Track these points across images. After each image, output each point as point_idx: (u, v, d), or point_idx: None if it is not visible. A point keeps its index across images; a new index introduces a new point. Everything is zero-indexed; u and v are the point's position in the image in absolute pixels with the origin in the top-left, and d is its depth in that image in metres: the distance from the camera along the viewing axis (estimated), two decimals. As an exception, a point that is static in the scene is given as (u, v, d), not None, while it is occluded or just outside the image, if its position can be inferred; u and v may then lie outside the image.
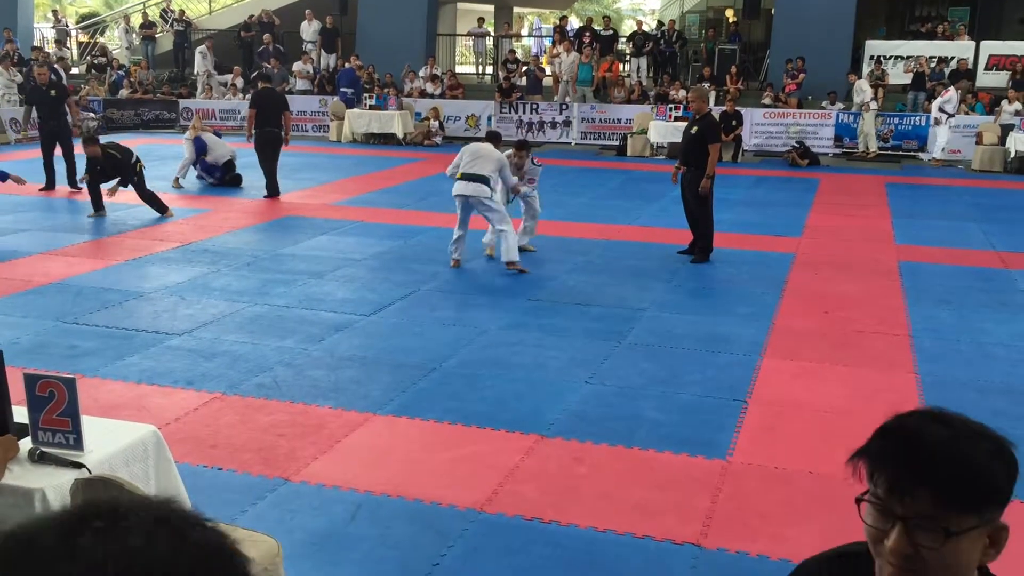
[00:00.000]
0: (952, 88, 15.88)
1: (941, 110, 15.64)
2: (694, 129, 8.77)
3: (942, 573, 1.18)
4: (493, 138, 8.64)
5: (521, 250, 8.48)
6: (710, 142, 8.61)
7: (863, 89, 16.69)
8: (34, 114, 12.69)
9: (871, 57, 18.31)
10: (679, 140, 16.19)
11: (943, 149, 15.66)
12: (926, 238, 9.92)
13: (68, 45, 24.43)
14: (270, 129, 11.88)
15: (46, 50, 22.18)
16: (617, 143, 17.58)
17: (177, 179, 12.50)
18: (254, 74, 17.23)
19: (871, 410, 5.19)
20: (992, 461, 1.18)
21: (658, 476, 4.35)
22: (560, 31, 22.16)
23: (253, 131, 11.93)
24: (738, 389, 5.43)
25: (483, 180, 8.15)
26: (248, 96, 15.42)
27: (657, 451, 4.59)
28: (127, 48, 23.69)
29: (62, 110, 12.11)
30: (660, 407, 5.17)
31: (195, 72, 20.51)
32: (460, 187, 8.18)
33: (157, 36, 23.49)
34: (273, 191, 11.90)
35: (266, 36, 21.00)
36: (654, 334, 6.52)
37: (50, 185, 12.01)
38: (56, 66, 19.70)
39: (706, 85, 18.49)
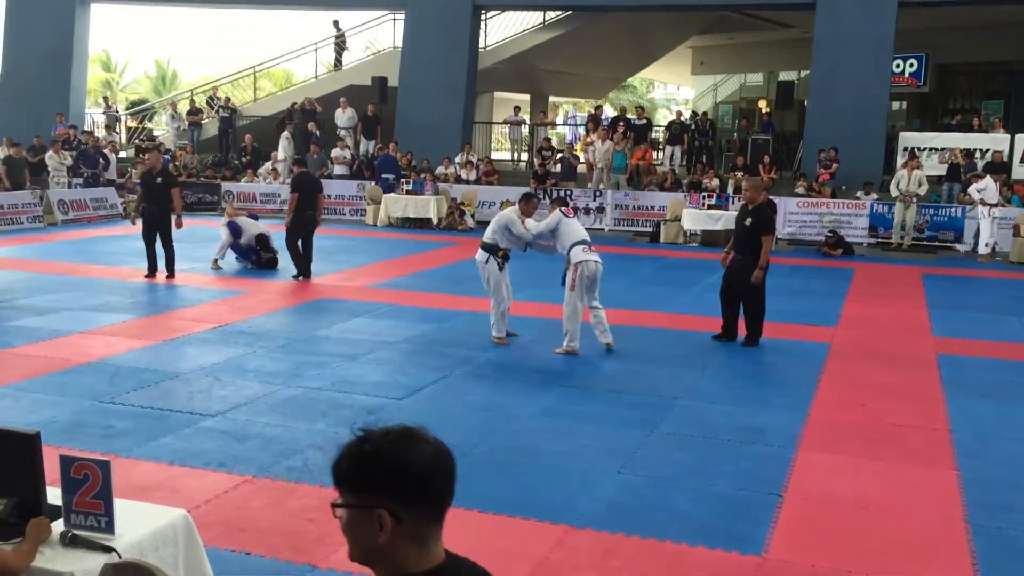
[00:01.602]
0: (988, 176, 15.81)
1: (982, 202, 15.50)
2: (748, 220, 8.78)
3: (354, 545, 1.69)
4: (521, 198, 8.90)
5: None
6: (764, 233, 8.66)
7: (916, 178, 16.52)
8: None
9: (905, 149, 18.39)
10: (712, 227, 16.51)
11: (987, 244, 15.54)
12: (964, 330, 9.80)
13: (117, 130, 25.26)
14: (309, 212, 12.14)
15: (157, 139, 22.92)
16: (650, 230, 17.68)
17: (216, 260, 12.73)
18: (293, 159, 17.62)
19: (910, 507, 5.07)
20: (364, 457, 1.68)
21: (692, 572, 4.25)
22: (594, 120, 22.55)
23: (292, 214, 12.12)
24: (773, 482, 5.33)
25: (483, 247, 8.52)
26: (287, 181, 15.78)
27: (690, 545, 4.49)
28: (174, 133, 24.44)
29: (167, 198, 11.86)
30: (693, 499, 5.08)
31: (280, 156, 20.94)
32: None
33: (203, 122, 24.23)
34: (306, 273, 12.06)
35: (310, 124, 21.59)
36: (688, 423, 6.44)
37: (152, 271, 11.85)
38: (105, 151, 20.37)
39: (739, 174, 18.67)
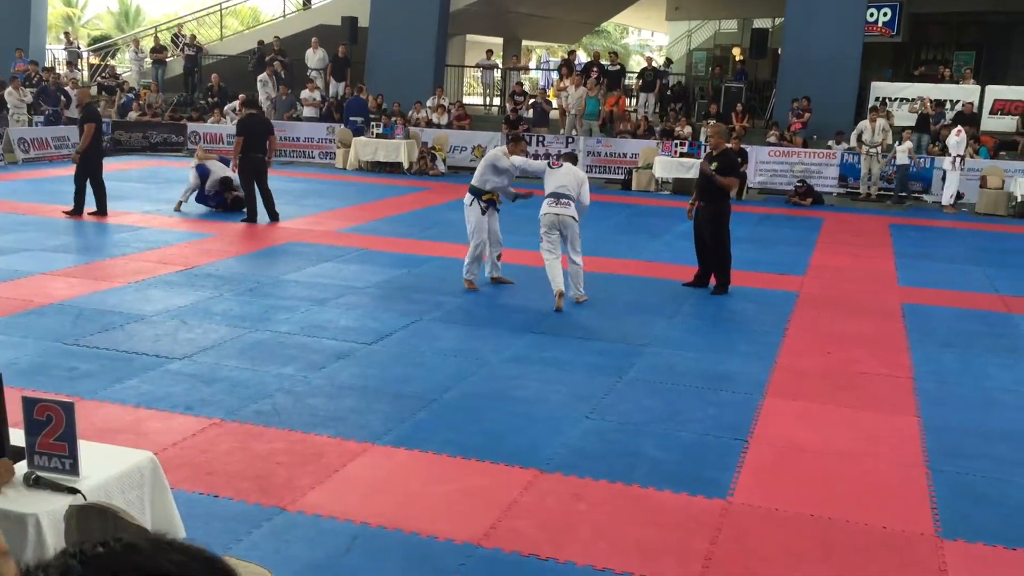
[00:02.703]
0: (962, 128, 15.86)
1: (957, 155, 15.54)
2: (713, 165, 8.81)
3: None
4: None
5: (497, 281, 8.84)
6: (728, 175, 8.74)
7: (883, 128, 16.57)
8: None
9: (876, 98, 18.40)
10: (684, 175, 16.48)
11: (952, 196, 15.66)
12: (929, 280, 9.91)
13: (79, 67, 24.63)
14: (256, 155, 11.88)
15: (120, 77, 22.42)
16: (623, 177, 17.64)
17: (180, 203, 12.51)
18: (241, 99, 17.28)
19: (872, 453, 5.15)
20: None
21: (658, 515, 4.30)
22: (568, 65, 22.30)
23: (239, 157, 11.89)
24: (740, 428, 5.40)
25: (470, 189, 8.64)
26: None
27: (657, 489, 4.55)
28: (137, 71, 23.87)
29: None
30: (661, 444, 5.13)
31: (261, 98, 20.56)
32: None
33: (168, 60, 23.68)
34: (273, 215, 11.90)
35: (276, 63, 21.14)
36: (656, 370, 6.49)
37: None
38: (67, 88, 19.87)
39: (712, 121, 18.60)
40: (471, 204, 8.60)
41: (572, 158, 8.95)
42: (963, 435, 5.46)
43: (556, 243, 8.24)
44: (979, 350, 7.29)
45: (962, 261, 11.28)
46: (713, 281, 8.95)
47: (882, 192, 16.67)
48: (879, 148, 16.47)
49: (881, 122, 16.47)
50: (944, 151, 16.16)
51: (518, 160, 8.70)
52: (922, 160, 16.84)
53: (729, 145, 15.83)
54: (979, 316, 8.45)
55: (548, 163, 8.66)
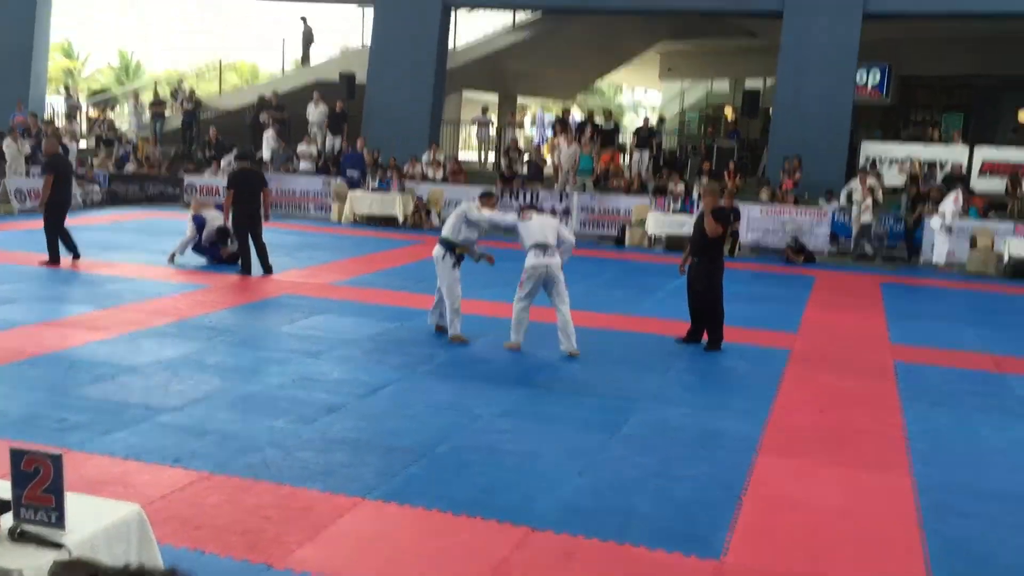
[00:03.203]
0: (959, 193, 16.03)
1: (952, 215, 15.69)
2: (705, 221, 8.89)
3: None
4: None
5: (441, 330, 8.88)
6: (722, 225, 8.83)
7: (874, 188, 16.76)
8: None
9: (867, 158, 18.63)
10: (677, 232, 16.59)
11: (944, 255, 15.77)
12: (921, 339, 9.94)
13: (78, 119, 24.85)
14: (249, 207, 11.91)
15: (119, 130, 22.77)
16: (616, 233, 17.75)
17: (173, 255, 12.50)
18: (234, 153, 17.39)
19: (867, 512, 5.12)
20: None
21: (651, 575, 4.26)
22: (562, 122, 22.62)
23: (231, 211, 11.93)
24: (733, 485, 5.37)
25: (441, 241, 8.68)
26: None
27: (649, 548, 4.50)
28: (136, 124, 24.09)
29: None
30: (654, 502, 5.10)
31: (263, 152, 20.82)
32: None
33: (167, 114, 23.91)
34: (267, 268, 11.93)
35: (263, 115, 21.43)
36: (649, 426, 6.47)
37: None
38: (65, 141, 20.04)
39: (705, 179, 18.78)
40: (443, 258, 8.62)
41: (535, 209, 9.12)
42: (956, 494, 5.44)
43: (534, 296, 8.40)
44: (971, 409, 7.29)
45: (953, 320, 11.33)
46: (706, 337, 8.97)
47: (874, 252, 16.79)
48: (869, 206, 16.61)
49: (871, 182, 16.65)
50: (934, 210, 16.34)
51: (489, 214, 8.77)
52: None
53: (722, 202, 16.03)
54: (971, 375, 8.46)
55: (518, 215, 8.77)
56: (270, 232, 12.62)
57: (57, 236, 11.81)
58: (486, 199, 8.90)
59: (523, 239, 8.48)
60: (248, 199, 11.95)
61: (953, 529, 4.93)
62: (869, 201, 16.42)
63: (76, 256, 11.95)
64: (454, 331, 8.64)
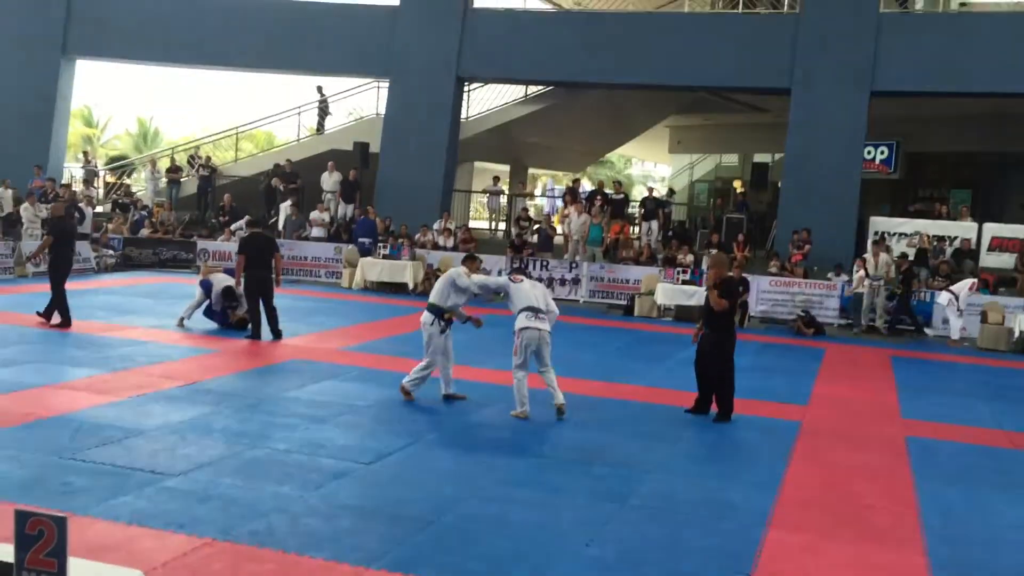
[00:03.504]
0: (976, 282, 16.08)
1: (956, 299, 15.73)
2: (709, 295, 8.92)
3: None
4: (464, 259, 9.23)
5: (450, 398, 8.88)
6: (728, 298, 8.80)
7: (886, 262, 16.83)
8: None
9: (875, 232, 18.72)
10: (686, 303, 16.63)
11: (959, 331, 15.73)
12: (933, 413, 9.86)
13: (95, 185, 25.22)
14: (260, 273, 11.97)
15: (135, 196, 23.22)
16: (625, 303, 17.78)
17: (182, 319, 12.54)
18: (246, 219, 17.57)
19: (880, 590, 5.02)
20: None
21: (658, 650, 4.17)
22: (572, 192, 22.84)
23: (243, 276, 11.97)
24: (743, 560, 5.28)
25: (429, 308, 8.74)
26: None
27: (658, 623, 4.41)
28: (152, 190, 24.41)
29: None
30: (663, 574, 5.01)
31: (277, 219, 21.13)
32: None
33: (182, 180, 24.26)
34: (276, 332, 11.94)
35: (274, 180, 21.75)
36: (658, 497, 6.39)
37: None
38: (81, 205, 20.36)
39: (714, 251, 18.85)
40: (432, 323, 8.70)
41: (523, 272, 9.20)
42: (971, 573, 5.33)
43: (530, 360, 8.47)
44: (985, 486, 7.19)
45: (965, 395, 11.25)
46: (715, 408, 8.91)
47: (885, 326, 16.76)
48: (882, 281, 16.66)
49: (884, 256, 16.72)
50: (944, 284, 16.36)
51: (478, 278, 8.87)
52: (922, 294, 17.00)
53: (731, 274, 16.10)
54: (984, 451, 8.36)
55: (508, 278, 8.86)
56: (281, 298, 12.68)
57: (64, 295, 11.87)
58: (470, 262, 9.05)
59: (513, 301, 8.56)
60: (259, 264, 12.02)
61: (969, 609, 4.83)
62: (862, 273, 16.52)
63: (65, 323, 11.87)
64: (411, 385, 8.82)
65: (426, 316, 8.77)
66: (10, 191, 20.38)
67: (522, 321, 8.41)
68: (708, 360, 8.88)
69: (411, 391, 8.78)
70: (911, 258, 17.77)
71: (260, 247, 12.23)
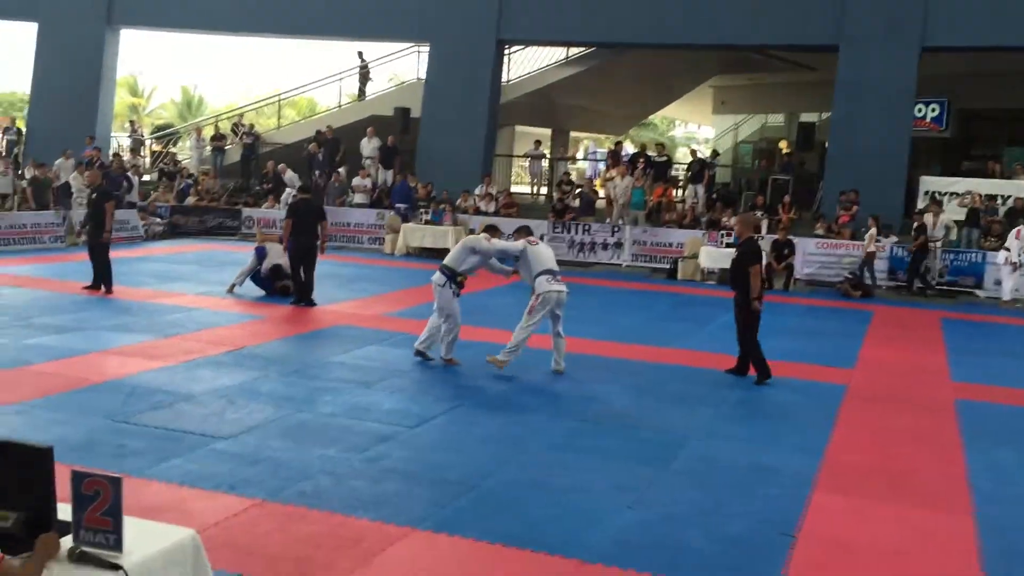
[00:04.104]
0: (1022, 227, 15.68)
1: (1019, 253, 15.32)
2: (735, 254, 9.08)
3: None
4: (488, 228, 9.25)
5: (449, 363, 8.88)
6: (749, 264, 8.73)
7: (938, 222, 16.55)
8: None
9: (926, 192, 18.33)
10: (730, 266, 16.46)
11: (1012, 291, 15.39)
12: (983, 376, 9.69)
13: (142, 154, 25.55)
14: (304, 239, 12.05)
15: (180, 164, 23.55)
16: (668, 266, 17.66)
17: (233, 286, 12.73)
18: (299, 186, 17.67)
19: (926, 553, 4.99)
20: None
21: (702, 611, 4.19)
22: (614, 156, 22.64)
23: (289, 240, 12.09)
24: (787, 523, 5.26)
25: (442, 270, 8.77)
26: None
27: (701, 584, 4.43)
28: (197, 158, 24.69)
29: (102, 213, 12.23)
30: (706, 538, 5.02)
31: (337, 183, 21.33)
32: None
33: (227, 148, 24.48)
34: (308, 301, 12.01)
35: (311, 146, 21.86)
36: (701, 460, 6.39)
37: (94, 284, 12.13)
38: (129, 174, 20.65)
39: (758, 213, 18.63)
40: (444, 285, 8.72)
41: (528, 231, 9.26)
42: (1021, 536, 5.27)
43: (544, 322, 8.62)
44: (1036, 449, 7.07)
45: (1017, 357, 11.03)
46: (752, 372, 8.87)
47: (942, 288, 16.46)
48: (939, 243, 16.34)
49: (944, 217, 16.40)
50: (998, 245, 16.00)
51: (499, 243, 8.94)
52: (972, 255, 16.66)
53: (777, 237, 15.88)
54: (1036, 414, 8.22)
55: (527, 240, 8.89)
56: (324, 264, 12.78)
57: (104, 264, 12.15)
58: (492, 231, 9.11)
59: (531, 264, 8.64)
60: (305, 230, 12.11)
61: (1018, 573, 4.77)
62: (873, 231, 16.32)
63: (103, 287, 12.15)
64: (450, 355, 8.83)
65: (437, 276, 8.79)
66: (71, 161, 20.71)
67: (543, 285, 8.51)
68: (736, 319, 8.94)
69: (454, 358, 8.83)
70: (961, 219, 17.39)
71: (308, 213, 12.31)
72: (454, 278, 8.75)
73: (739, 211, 19.14)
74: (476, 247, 8.78)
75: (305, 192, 13.50)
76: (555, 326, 8.70)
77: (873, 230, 16.39)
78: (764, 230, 18.00)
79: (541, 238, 18.56)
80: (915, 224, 16.61)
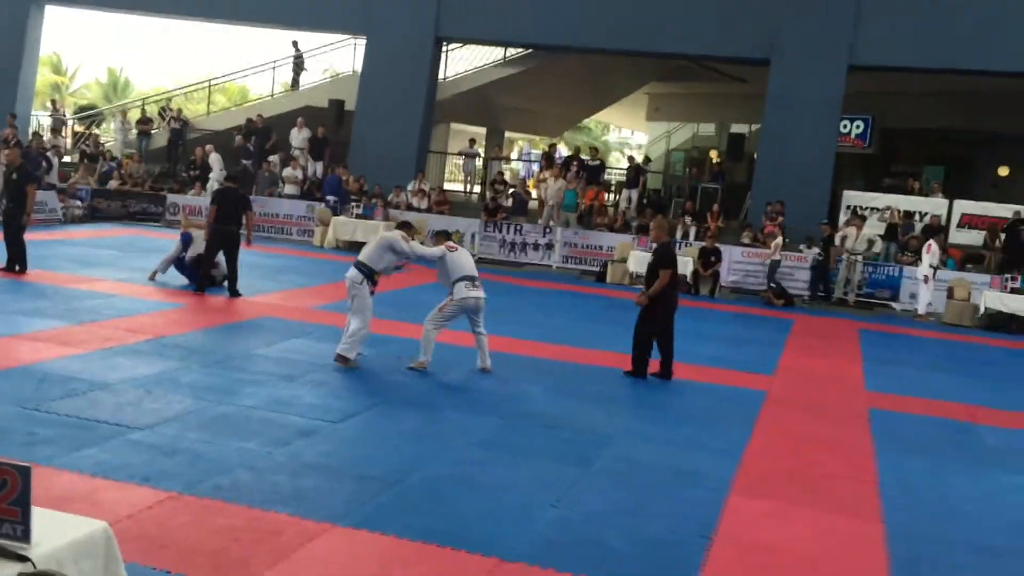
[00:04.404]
0: (933, 242, 16.24)
1: (930, 266, 15.89)
2: (651, 258, 9.35)
3: None
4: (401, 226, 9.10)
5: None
6: (660, 267, 8.99)
7: (860, 236, 17.04)
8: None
9: (848, 206, 18.85)
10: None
11: (927, 306, 15.92)
12: (897, 386, 10.00)
13: (64, 134, 24.77)
14: (227, 227, 11.86)
15: (103, 146, 22.80)
16: (597, 269, 17.83)
17: (155, 272, 12.44)
18: (224, 175, 17.36)
19: (836, 558, 5.13)
20: None
21: (619, 611, 4.23)
22: (548, 157, 22.76)
23: (209, 228, 11.92)
24: (705, 525, 5.35)
25: (359, 267, 8.58)
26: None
27: (619, 584, 4.48)
28: (122, 141, 24.03)
29: (22, 195, 11.92)
30: (626, 538, 5.08)
31: (268, 171, 20.89)
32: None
33: (153, 132, 23.88)
34: (234, 291, 11.82)
35: (238, 138, 21.56)
36: (623, 461, 6.46)
37: (8, 265, 11.82)
38: (48, 154, 20.00)
39: (688, 219, 18.94)
40: (361, 283, 8.53)
41: (447, 236, 9.24)
42: (927, 544, 5.45)
43: (462, 322, 8.71)
44: (945, 458, 7.33)
45: (930, 369, 11.42)
46: (655, 370, 9.17)
47: (860, 300, 16.95)
48: (860, 256, 16.81)
49: (866, 231, 16.89)
50: (916, 262, 16.56)
51: (418, 247, 8.86)
52: (890, 268, 17.19)
53: (705, 244, 16.13)
54: (946, 424, 8.51)
55: (446, 245, 8.85)
56: (251, 254, 12.58)
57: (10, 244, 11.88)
58: (406, 229, 8.96)
59: (450, 270, 8.64)
60: (229, 218, 11.90)
61: (922, 577, 4.94)
62: (779, 241, 16.89)
63: (18, 267, 11.87)
64: (354, 353, 8.55)
65: (354, 274, 8.54)
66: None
67: (462, 291, 8.54)
68: (647, 323, 9.14)
69: (350, 358, 8.53)
70: (880, 233, 17.95)
71: (232, 201, 12.09)
72: (371, 276, 8.59)
73: (669, 217, 19.46)
74: (395, 247, 8.62)
75: (231, 180, 13.26)
76: (475, 326, 8.75)
77: (779, 239, 16.87)
78: (692, 237, 18.34)
79: (472, 237, 18.68)
80: (825, 234, 17.07)
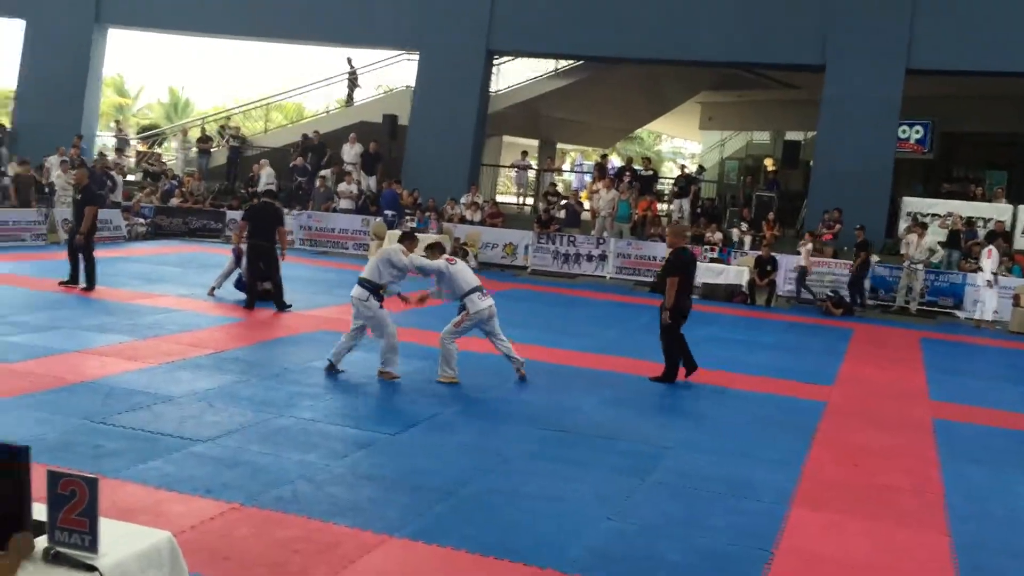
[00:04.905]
0: (993, 247, 15.86)
1: (992, 272, 15.52)
2: (664, 263, 9.38)
3: None
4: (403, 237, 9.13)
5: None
6: (668, 275, 9.05)
7: (921, 244, 16.73)
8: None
9: (908, 213, 18.49)
10: (713, 281, 16.57)
11: (992, 312, 15.52)
12: (961, 396, 9.77)
13: (127, 153, 25.43)
14: (260, 243, 12.00)
15: (166, 164, 23.48)
16: (652, 280, 17.72)
17: (213, 288, 12.66)
18: (264, 189, 17.63)
19: (900, 570, 5.02)
20: None
21: (677, 624, 4.19)
22: (601, 168, 22.72)
23: (243, 242, 12.15)
24: (764, 538, 5.28)
25: (362, 283, 8.58)
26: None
27: (677, 597, 4.44)
28: (182, 159, 24.58)
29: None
30: (683, 551, 5.03)
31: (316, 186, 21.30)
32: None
33: (212, 150, 24.39)
34: (281, 304, 11.96)
35: (298, 159, 21.91)
36: (679, 474, 6.40)
37: (71, 280, 12.29)
38: (113, 174, 20.55)
39: (744, 226, 18.74)
40: (366, 300, 8.53)
41: (442, 249, 9.19)
42: (995, 554, 5.31)
43: (479, 332, 8.75)
44: (1011, 468, 7.14)
45: (995, 378, 11.13)
46: (682, 376, 9.22)
47: (921, 308, 16.59)
48: (921, 264, 16.49)
49: (928, 239, 16.57)
50: (977, 269, 16.17)
51: (417, 260, 8.83)
52: (953, 275, 16.81)
53: (761, 253, 15.94)
54: (1012, 434, 8.29)
55: (444, 259, 8.85)
56: (308, 268, 12.75)
57: (79, 260, 12.30)
58: (408, 241, 8.94)
59: (456, 283, 8.65)
60: (261, 234, 12.05)
61: (990, 591, 4.81)
62: (808, 247, 16.67)
63: (86, 284, 12.27)
64: (392, 368, 8.59)
65: (359, 291, 8.58)
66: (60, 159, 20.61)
67: (476, 303, 8.55)
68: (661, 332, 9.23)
69: (393, 372, 8.61)
70: (942, 240, 17.56)
71: (265, 217, 12.22)
72: (375, 291, 8.61)
73: (723, 226, 19.28)
74: (393, 260, 8.62)
75: (268, 196, 13.35)
76: (493, 336, 8.76)
77: (809, 245, 16.61)
78: (748, 246, 18.14)
79: (525, 248, 18.69)
80: (858, 240, 16.75)
